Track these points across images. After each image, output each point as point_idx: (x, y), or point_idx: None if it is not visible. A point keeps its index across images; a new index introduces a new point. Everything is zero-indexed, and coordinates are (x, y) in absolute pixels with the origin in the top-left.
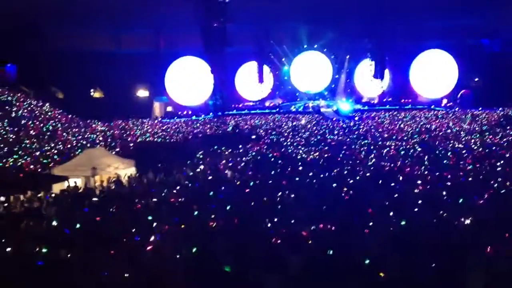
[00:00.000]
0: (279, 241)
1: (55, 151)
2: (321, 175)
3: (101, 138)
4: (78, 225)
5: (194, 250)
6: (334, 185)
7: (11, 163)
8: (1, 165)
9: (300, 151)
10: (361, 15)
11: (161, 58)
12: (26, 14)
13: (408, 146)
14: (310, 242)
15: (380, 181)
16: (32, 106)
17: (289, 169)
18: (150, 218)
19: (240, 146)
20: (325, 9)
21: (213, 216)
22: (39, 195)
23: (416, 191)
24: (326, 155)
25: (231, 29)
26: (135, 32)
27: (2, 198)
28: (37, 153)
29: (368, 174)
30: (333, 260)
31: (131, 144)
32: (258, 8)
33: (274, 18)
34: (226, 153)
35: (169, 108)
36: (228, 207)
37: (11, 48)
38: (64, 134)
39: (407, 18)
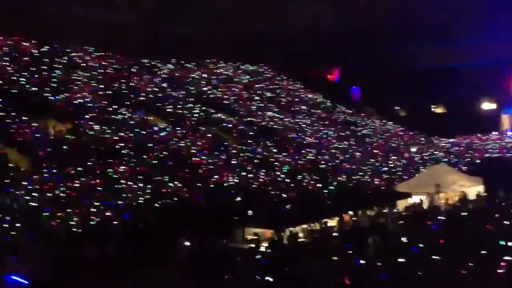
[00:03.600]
0: None
1: (399, 168)
2: None
3: (444, 154)
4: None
5: None
6: None
7: (359, 179)
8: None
9: None
10: None
11: (506, 68)
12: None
13: None
14: None
15: None
16: (375, 124)
17: None
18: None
19: None
20: None
21: None
22: (384, 210)
23: None
24: None
25: None
26: (474, 44)
27: (351, 212)
28: (382, 170)
29: None
30: None
31: (478, 161)
32: None
33: None
34: None
35: None
36: None
37: (357, 71)
38: (407, 151)
39: None
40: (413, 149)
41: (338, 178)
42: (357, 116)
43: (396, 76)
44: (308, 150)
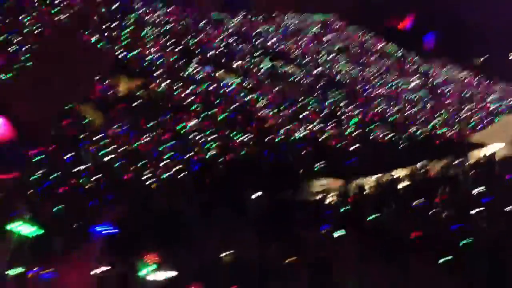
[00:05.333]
0: None
1: (473, 118)
2: None
3: None
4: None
5: None
6: None
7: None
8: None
9: None
10: None
11: None
12: None
13: None
14: None
15: None
16: (450, 74)
17: None
18: None
19: None
20: None
21: None
22: (455, 162)
23: None
24: None
25: None
26: None
27: (419, 165)
28: (455, 120)
29: None
30: None
31: None
32: None
33: None
34: None
35: None
36: None
37: (430, 19)
38: (482, 101)
39: None
40: (489, 99)
41: (408, 129)
42: (430, 65)
43: (473, 24)
44: (377, 101)
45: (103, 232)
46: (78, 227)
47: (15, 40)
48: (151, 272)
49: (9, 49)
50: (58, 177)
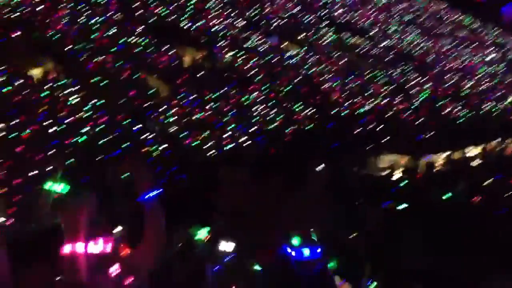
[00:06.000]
0: None
1: None
2: None
3: None
4: None
5: None
6: None
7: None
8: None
9: None
10: None
11: None
12: None
13: None
14: None
15: None
16: None
17: None
18: None
19: None
20: None
21: None
22: None
23: None
24: None
25: None
26: None
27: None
28: None
29: None
30: None
31: None
32: None
33: None
34: None
35: None
36: None
37: None
38: None
39: None
40: None
41: (483, 105)
42: (508, 38)
43: None
44: (450, 75)
45: (166, 199)
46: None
47: None
48: (213, 242)
49: None
50: (127, 146)
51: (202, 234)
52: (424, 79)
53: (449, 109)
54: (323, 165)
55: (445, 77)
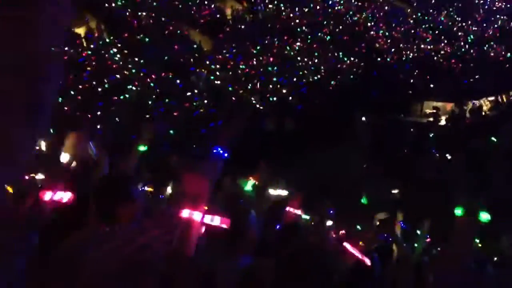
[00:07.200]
0: None
1: None
2: None
3: None
4: None
5: None
6: None
7: None
8: None
9: None
10: None
11: None
12: None
13: None
14: None
15: None
16: None
17: None
18: None
19: None
20: None
21: None
22: None
23: None
24: None
25: None
26: None
27: None
28: None
29: None
30: None
31: None
32: None
33: None
34: None
35: None
36: None
37: None
38: None
39: None
40: None
41: None
42: None
43: None
44: (497, 17)
45: (219, 154)
46: (194, 149)
47: None
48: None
49: None
50: (171, 101)
51: (249, 185)
52: (471, 21)
53: (496, 52)
54: (367, 116)
55: (492, 19)
